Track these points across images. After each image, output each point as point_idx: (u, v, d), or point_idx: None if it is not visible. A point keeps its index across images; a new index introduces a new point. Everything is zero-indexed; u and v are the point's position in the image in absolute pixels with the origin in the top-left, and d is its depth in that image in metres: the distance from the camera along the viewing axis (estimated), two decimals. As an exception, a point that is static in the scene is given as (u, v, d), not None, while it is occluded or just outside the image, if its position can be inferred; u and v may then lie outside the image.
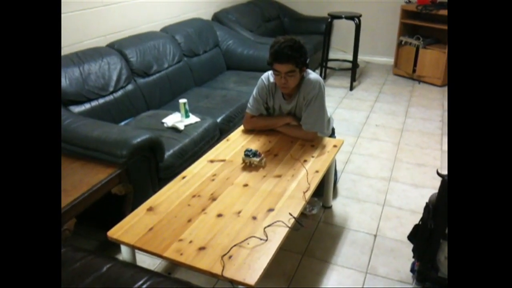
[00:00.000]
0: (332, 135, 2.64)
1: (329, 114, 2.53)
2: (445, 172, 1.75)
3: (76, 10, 2.77)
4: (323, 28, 4.81)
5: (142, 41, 3.17)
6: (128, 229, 1.63)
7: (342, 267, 2.12)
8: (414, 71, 4.83)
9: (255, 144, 2.28)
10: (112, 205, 2.17)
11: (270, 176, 2.00)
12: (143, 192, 2.19)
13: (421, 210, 1.84)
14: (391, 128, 3.69)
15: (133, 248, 1.59)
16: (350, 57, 4.69)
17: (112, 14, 3.11)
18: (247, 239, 1.57)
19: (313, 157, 2.17)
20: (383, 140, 3.48)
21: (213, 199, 1.82)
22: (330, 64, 5.00)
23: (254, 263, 1.46)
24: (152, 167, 2.28)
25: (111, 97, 2.75)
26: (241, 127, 2.47)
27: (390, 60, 5.19)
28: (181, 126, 2.63)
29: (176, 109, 2.79)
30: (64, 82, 2.49)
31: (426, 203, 1.80)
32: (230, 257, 1.48)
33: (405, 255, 2.16)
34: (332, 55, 5.11)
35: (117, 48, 2.98)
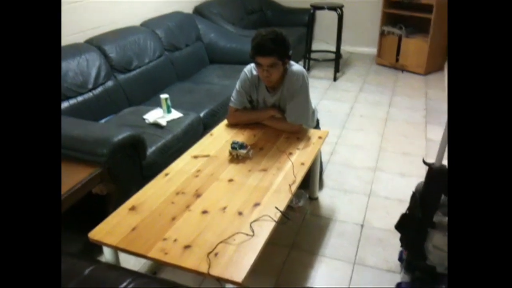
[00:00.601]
0: (317, 126, 2.62)
1: (313, 106, 2.51)
2: (430, 160, 1.75)
3: (51, 6, 2.68)
4: (306, 19, 4.78)
5: (122, 37, 3.10)
6: (110, 230, 1.58)
7: (330, 258, 2.11)
8: (397, 60, 4.84)
9: (240, 138, 2.25)
10: (95, 206, 2.12)
11: (255, 170, 1.97)
12: (127, 191, 2.13)
13: (408, 199, 1.84)
14: (376, 118, 3.69)
15: (116, 249, 1.55)
16: (334, 48, 4.67)
17: (91, 9, 3.02)
18: (233, 235, 1.54)
19: (298, 149, 2.15)
20: (368, 130, 3.48)
21: (198, 195, 1.79)
22: (313, 55, 4.98)
23: (241, 259, 1.43)
24: (134, 165, 2.23)
25: (90, 94, 2.68)
26: (225, 122, 2.43)
27: (373, 50, 5.19)
28: (163, 122, 2.58)
29: (158, 105, 2.74)
30: (41, 80, 2.41)
31: (413, 192, 1.79)
32: (216, 254, 1.45)
33: (393, 244, 2.15)
34: (315, 46, 5.09)
35: (96, 44, 2.91)
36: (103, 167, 2.02)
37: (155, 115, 2.66)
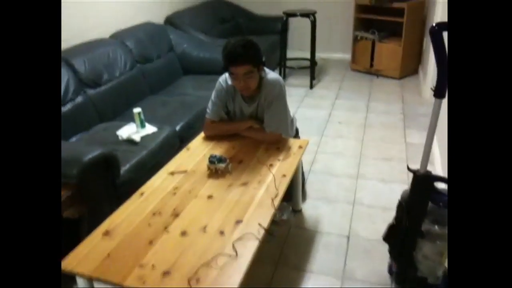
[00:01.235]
0: (297, 135, 2.56)
1: (291, 114, 2.44)
2: (413, 165, 1.70)
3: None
4: (279, 27, 4.74)
5: (90, 49, 2.98)
6: (82, 258, 1.47)
7: (317, 274, 2.04)
8: (371, 65, 4.85)
9: (218, 151, 2.16)
10: (67, 231, 1.98)
11: (236, 185, 1.88)
12: (100, 213, 2.00)
13: (392, 206, 1.79)
14: (354, 124, 3.66)
15: (89, 279, 1.43)
16: (308, 55, 4.65)
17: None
18: (215, 257, 1.44)
19: (279, 160, 2.08)
20: (347, 137, 3.44)
21: (176, 215, 1.68)
22: (289, 63, 4.95)
23: (225, 283, 1.34)
24: (107, 185, 2.11)
25: (58, 111, 2.55)
26: (202, 134, 2.34)
27: (347, 56, 5.20)
28: (137, 138, 2.47)
29: (131, 119, 2.62)
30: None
31: (399, 201, 1.74)
32: (197, 280, 1.35)
33: (381, 254, 2.09)
34: (290, 54, 5.05)
35: (63, 58, 2.77)
36: (73, 189, 1.90)
37: (129, 131, 2.54)
